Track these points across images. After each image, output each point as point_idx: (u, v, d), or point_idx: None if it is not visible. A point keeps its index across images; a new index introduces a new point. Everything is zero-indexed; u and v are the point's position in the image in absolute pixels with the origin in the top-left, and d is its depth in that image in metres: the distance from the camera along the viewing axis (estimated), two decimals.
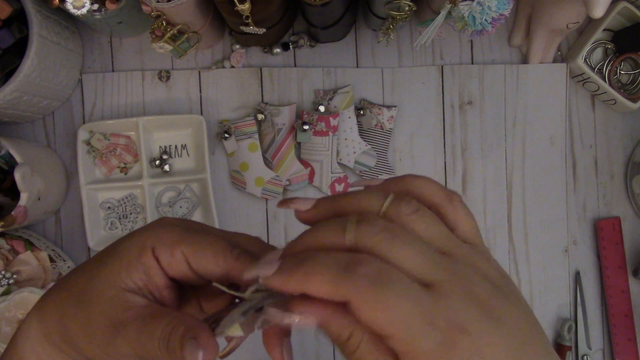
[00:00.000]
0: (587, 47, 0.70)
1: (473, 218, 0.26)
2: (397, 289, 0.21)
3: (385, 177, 0.70)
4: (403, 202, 0.24)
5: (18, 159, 0.59)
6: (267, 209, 0.72)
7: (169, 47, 0.60)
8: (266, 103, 0.71)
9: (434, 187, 0.26)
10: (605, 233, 0.73)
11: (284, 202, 0.28)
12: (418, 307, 0.21)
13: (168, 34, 0.58)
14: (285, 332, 0.26)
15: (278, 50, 0.71)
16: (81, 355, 0.29)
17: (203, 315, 0.34)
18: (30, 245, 0.64)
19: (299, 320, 0.21)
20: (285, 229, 0.72)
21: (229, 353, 0.29)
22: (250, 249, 0.32)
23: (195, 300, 0.34)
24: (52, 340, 0.30)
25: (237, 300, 0.29)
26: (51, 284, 0.64)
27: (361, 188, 0.28)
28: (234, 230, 0.34)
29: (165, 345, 0.27)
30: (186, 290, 0.32)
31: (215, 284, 0.29)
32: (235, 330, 0.26)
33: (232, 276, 0.30)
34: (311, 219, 0.27)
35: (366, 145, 0.71)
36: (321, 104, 0.69)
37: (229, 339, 0.28)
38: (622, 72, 0.73)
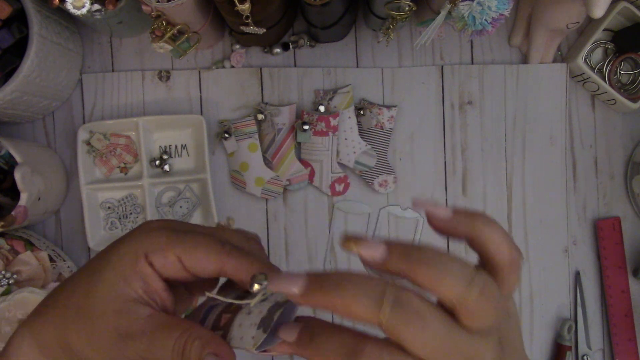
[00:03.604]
0: (587, 47, 0.70)
1: (519, 279, 0.27)
2: (427, 322, 0.23)
3: (385, 177, 0.71)
4: (486, 290, 0.23)
5: (18, 159, 0.59)
6: (267, 209, 0.72)
7: (169, 47, 0.60)
8: (266, 103, 0.71)
9: (503, 243, 0.26)
10: (605, 233, 0.73)
11: (350, 240, 0.25)
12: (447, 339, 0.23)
13: (168, 34, 0.58)
14: None
15: (278, 50, 0.71)
16: None
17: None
18: (30, 245, 0.64)
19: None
20: (285, 229, 0.72)
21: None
22: (237, 243, 0.32)
23: (182, 289, 0.35)
24: (50, 353, 0.30)
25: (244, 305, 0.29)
26: (51, 284, 0.64)
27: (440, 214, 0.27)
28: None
29: (180, 358, 0.28)
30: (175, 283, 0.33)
31: (209, 295, 0.30)
32: (257, 347, 0.26)
33: (226, 272, 0.31)
34: (375, 265, 0.25)
35: (366, 145, 0.71)
36: (321, 104, 0.69)
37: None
38: (622, 72, 0.73)
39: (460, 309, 0.23)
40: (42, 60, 0.59)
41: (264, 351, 0.27)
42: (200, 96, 0.71)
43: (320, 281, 0.24)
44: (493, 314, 0.23)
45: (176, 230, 0.31)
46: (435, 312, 0.23)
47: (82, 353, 0.30)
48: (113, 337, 0.29)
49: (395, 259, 0.24)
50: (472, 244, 0.26)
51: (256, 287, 0.27)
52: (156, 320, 0.29)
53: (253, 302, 0.27)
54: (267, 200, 0.71)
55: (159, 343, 0.28)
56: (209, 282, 0.35)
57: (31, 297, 0.60)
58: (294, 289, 0.24)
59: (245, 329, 0.27)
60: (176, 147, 0.71)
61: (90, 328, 0.29)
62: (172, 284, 0.32)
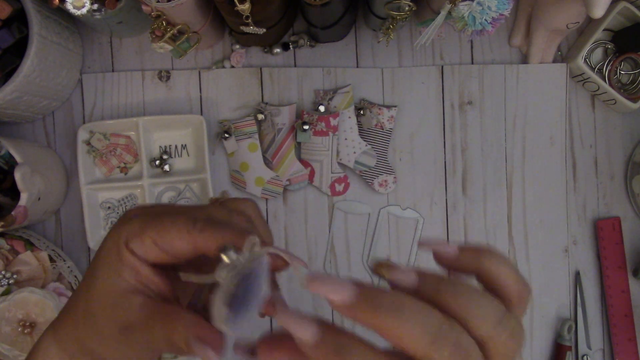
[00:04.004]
0: (587, 47, 0.70)
1: (526, 310, 0.27)
2: None
3: (385, 177, 0.71)
4: (514, 332, 0.23)
5: (18, 159, 0.59)
6: (267, 209, 0.72)
7: (169, 47, 0.60)
8: (266, 103, 0.71)
9: (510, 278, 0.26)
10: (605, 233, 0.73)
11: (382, 266, 0.25)
12: None
13: (168, 34, 0.58)
14: None
15: (278, 50, 0.71)
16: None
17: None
18: (30, 245, 0.64)
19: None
20: (286, 228, 0.72)
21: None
22: (219, 217, 0.31)
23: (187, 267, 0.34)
24: (71, 355, 0.32)
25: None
26: (51, 284, 0.64)
27: (447, 248, 0.26)
28: None
29: (170, 346, 0.28)
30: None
31: (182, 274, 0.29)
32: (227, 327, 0.25)
33: (200, 248, 0.30)
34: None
35: (366, 145, 0.71)
36: (321, 104, 0.69)
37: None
38: (622, 72, 0.73)
39: (488, 347, 0.23)
40: (42, 60, 0.59)
41: (253, 354, 0.25)
42: (200, 96, 0.71)
43: (372, 297, 0.22)
44: (517, 354, 0.24)
45: (152, 214, 0.31)
46: (479, 354, 0.23)
47: (97, 352, 0.31)
48: (116, 332, 0.29)
49: (426, 288, 0.23)
50: (480, 279, 0.26)
51: (225, 259, 0.26)
52: (148, 308, 0.29)
53: (220, 277, 0.25)
54: (267, 200, 0.71)
55: (151, 334, 0.28)
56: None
57: (31, 297, 0.60)
58: (343, 298, 0.22)
59: (217, 307, 0.25)
60: (176, 147, 0.71)
61: (96, 327, 0.30)
62: (175, 266, 0.32)
